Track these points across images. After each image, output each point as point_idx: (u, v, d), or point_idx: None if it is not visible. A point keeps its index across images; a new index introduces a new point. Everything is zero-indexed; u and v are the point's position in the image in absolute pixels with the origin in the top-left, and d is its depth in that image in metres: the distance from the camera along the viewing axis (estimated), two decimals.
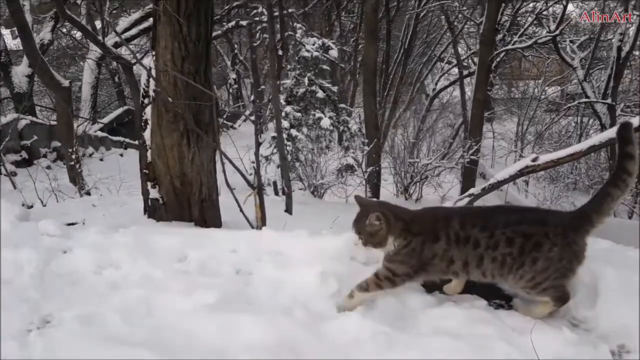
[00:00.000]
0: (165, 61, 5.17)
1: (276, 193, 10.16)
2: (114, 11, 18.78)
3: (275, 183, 10.34)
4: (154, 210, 5.97)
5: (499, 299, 2.41)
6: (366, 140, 11.12)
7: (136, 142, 17.53)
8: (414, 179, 13.97)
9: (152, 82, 5.60)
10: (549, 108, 24.21)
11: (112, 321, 2.23)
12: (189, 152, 5.65)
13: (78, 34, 21.52)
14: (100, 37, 13.08)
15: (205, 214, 6.02)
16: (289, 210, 7.36)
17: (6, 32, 20.56)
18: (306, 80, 9.35)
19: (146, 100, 5.77)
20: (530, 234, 1.95)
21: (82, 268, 2.76)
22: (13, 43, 21.01)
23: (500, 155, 22.43)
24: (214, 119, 5.74)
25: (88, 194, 11.36)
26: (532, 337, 1.95)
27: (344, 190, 11.91)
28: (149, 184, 5.91)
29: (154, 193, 5.90)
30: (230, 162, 3.93)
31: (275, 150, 10.04)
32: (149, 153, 5.83)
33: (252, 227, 3.80)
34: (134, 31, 17.04)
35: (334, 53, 10.54)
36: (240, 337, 2.15)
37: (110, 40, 14.32)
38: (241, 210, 3.78)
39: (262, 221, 3.80)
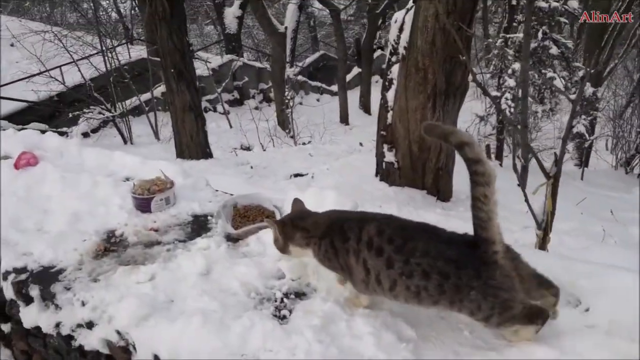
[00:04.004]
0: (427, 16, 4.71)
1: (488, 157, 9.44)
2: None
3: (488, 146, 9.58)
4: (387, 174, 5.75)
5: None
6: (599, 106, 9.74)
7: (331, 88, 17.85)
8: (639, 151, 12.11)
9: (402, 39, 5.21)
10: None
11: None
12: (432, 116, 5.24)
13: None
14: None
15: (439, 183, 5.67)
16: (522, 184, 6.65)
17: None
18: (540, 34, 8.27)
19: (394, 58, 5.42)
20: (447, 274, 1.63)
21: None
22: None
23: None
24: (466, 81, 5.23)
25: (292, 137, 11.72)
26: None
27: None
28: (386, 147, 5.66)
29: (389, 156, 5.66)
30: (525, 138, 3.38)
31: (492, 111, 9.22)
32: (389, 114, 5.55)
33: (537, 222, 3.26)
34: None
35: (574, 4, 9.18)
36: None
37: None
38: (526, 200, 3.26)
39: (551, 216, 3.24)
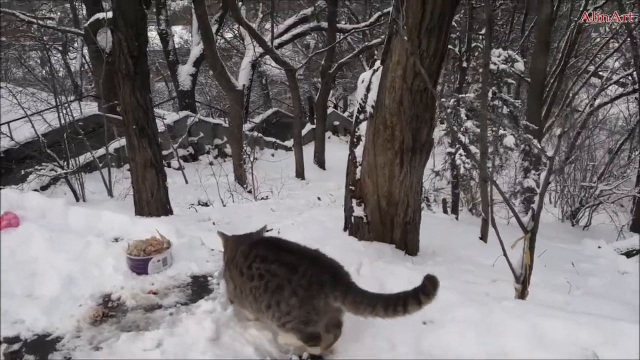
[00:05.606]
0: (395, 77, 4.88)
1: (444, 211, 9.69)
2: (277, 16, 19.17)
3: (444, 200, 9.86)
4: (357, 228, 5.77)
5: None
6: (547, 161, 10.27)
7: (285, 144, 18.02)
8: (583, 204, 12.74)
9: (370, 98, 5.37)
10: None
11: None
12: (400, 172, 5.35)
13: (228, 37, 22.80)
14: (267, 40, 13.50)
15: (407, 237, 5.71)
16: (484, 237, 6.84)
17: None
18: (490, 94, 8.75)
19: (362, 116, 5.56)
20: (275, 275, 1.91)
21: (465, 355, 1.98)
22: (177, 41, 22.32)
23: None
24: (431, 138, 5.41)
25: (250, 192, 11.66)
26: None
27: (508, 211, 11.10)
28: (355, 201, 5.70)
29: (358, 211, 5.69)
30: (501, 193, 3.52)
31: (447, 166, 9.56)
32: (358, 170, 5.63)
33: (515, 275, 3.34)
34: (286, 36, 17.34)
35: (520, 66, 9.83)
36: None
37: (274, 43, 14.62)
38: (505, 254, 3.34)
39: (529, 269, 3.34)
